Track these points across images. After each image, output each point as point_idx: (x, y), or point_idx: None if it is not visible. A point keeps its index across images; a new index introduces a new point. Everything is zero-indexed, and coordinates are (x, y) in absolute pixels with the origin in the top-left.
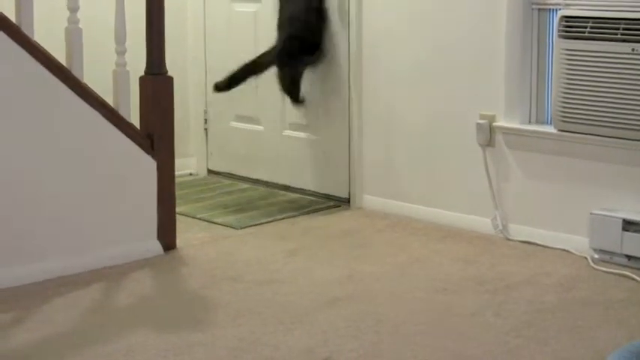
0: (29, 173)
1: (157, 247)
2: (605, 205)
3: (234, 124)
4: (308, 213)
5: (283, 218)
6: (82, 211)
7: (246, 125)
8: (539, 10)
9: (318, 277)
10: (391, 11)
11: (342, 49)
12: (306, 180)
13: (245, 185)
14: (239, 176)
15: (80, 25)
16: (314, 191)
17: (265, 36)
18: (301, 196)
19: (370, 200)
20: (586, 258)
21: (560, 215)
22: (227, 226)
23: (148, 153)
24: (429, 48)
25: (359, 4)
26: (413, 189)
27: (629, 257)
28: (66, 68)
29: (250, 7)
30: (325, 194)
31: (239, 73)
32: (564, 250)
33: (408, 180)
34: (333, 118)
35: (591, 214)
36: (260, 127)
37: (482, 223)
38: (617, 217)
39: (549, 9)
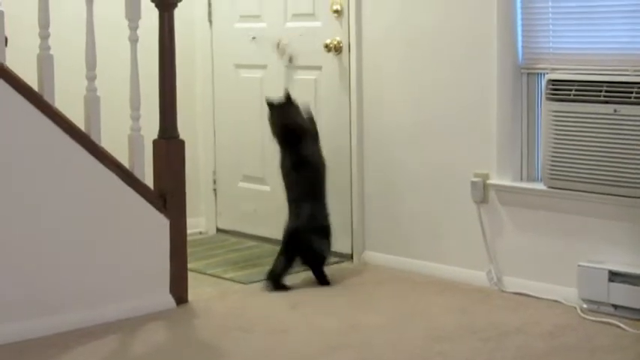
0: (49, 231)
1: (169, 300)
2: (592, 258)
3: (242, 184)
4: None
5: (290, 273)
6: (99, 266)
7: (254, 185)
8: (528, 74)
9: (321, 327)
10: (392, 78)
11: (344, 112)
12: None
13: (253, 243)
14: (247, 234)
15: (98, 93)
16: None
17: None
18: None
19: (372, 255)
20: (575, 308)
21: (550, 267)
22: (236, 282)
23: (161, 212)
24: (425, 112)
25: (359, 70)
26: (412, 244)
27: (615, 306)
28: (85, 133)
29: (256, 74)
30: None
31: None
32: (555, 300)
33: (407, 236)
34: (336, 177)
35: (579, 265)
36: (267, 187)
37: (477, 276)
38: (603, 269)
39: (537, 73)
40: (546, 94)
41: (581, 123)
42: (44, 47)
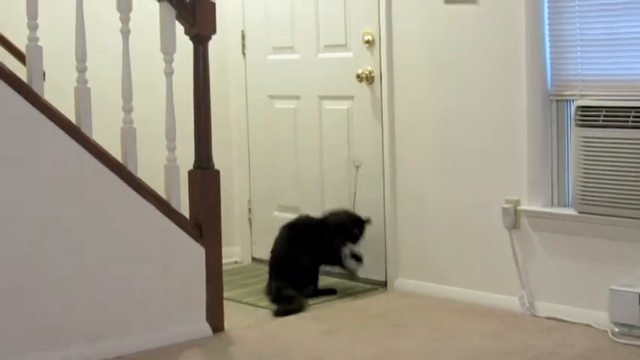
0: (86, 260)
1: (206, 329)
2: (623, 281)
3: (277, 213)
4: (347, 296)
5: (324, 301)
6: (136, 295)
7: (288, 215)
8: (557, 101)
9: (356, 354)
10: (423, 106)
11: (376, 141)
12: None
13: None
14: None
15: (134, 125)
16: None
17: (304, 130)
18: (340, 280)
19: (405, 282)
20: (607, 331)
21: (582, 292)
22: (272, 310)
23: (197, 241)
24: (456, 140)
25: (390, 99)
26: (445, 271)
27: None
28: (122, 164)
29: (290, 104)
30: (363, 278)
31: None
32: (587, 324)
33: (440, 263)
34: (369, 205)
35: (611, 289)
36: None
37: (510, 301)
38: (634, 292)
39: (566, 100)
40: (575, 120)
41: (610, 148)
42: (81, 80)
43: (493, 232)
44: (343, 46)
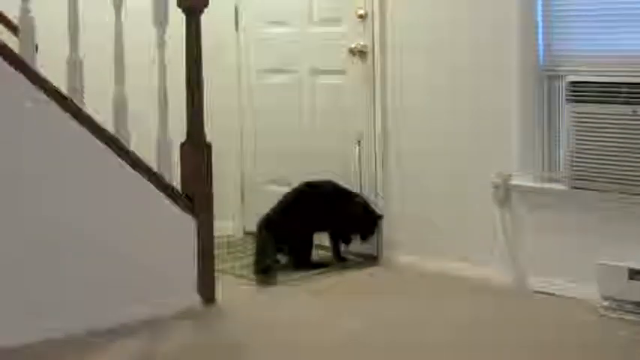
0: (80, 232)
1: (197, 300)
2: (612, 256)
3: (269, 187)
4: (338, 269)
5: (315, 274)
6: (130, 266)
7: (280, 188)
8: (548, 76)
9: (345, 325)
10: (415, 80)
11: (368, 116)
12: None
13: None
14: None
15: (125, 97)
16: (345, 249)
17: (296, 104)
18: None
19: (397, 256)
20: (596, 305)
21: (572, 266)
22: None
23: (189, 213)
24: (448, 115)
25: (383, 73)
26: (436, 245)
27: (635, 303)
28: (114, 136)
29: (282, 79)
30: (355, 252)
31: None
32: (576, 298)
33: (431, 237)
34: (362, 180)
35: (600, 264)
36: None
37: (500, 275)
38: (623, 267)
39: (558, 75)
40: (567, 95)
41: (601, 124)
42: (74, 52)
43: (484, 207)
44: (336, 21)
